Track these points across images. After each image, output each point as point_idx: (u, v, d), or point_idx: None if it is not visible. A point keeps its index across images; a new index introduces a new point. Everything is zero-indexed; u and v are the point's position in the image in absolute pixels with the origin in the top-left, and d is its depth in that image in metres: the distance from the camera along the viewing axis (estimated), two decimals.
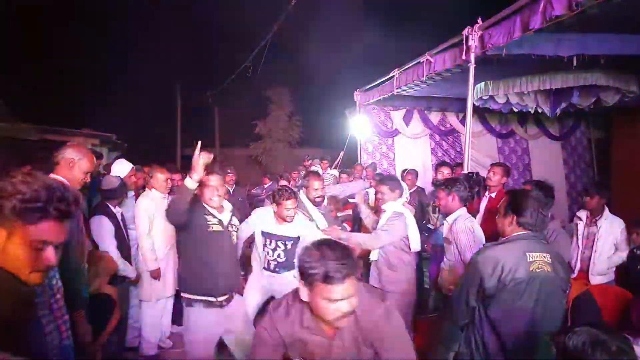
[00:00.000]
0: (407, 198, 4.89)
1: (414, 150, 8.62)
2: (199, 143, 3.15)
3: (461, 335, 2.58)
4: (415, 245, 4.05)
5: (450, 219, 3.73)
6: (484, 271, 2.37)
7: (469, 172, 4.63)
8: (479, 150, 8.18)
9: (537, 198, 2.48)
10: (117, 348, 4.33)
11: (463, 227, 3.55)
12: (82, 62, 13.83)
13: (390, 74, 6.78)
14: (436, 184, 4.10)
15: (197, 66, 18.21)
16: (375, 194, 5.20)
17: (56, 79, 13.35)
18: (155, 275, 4.60)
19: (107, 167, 6.34)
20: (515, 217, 2.46)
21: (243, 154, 19.48)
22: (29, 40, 12.90)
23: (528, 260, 2.35)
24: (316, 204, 4.34)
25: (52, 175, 2.94)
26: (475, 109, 6.31)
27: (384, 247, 4.02)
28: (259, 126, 18.75)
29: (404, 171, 7.08)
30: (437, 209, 4.98)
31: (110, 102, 13.87)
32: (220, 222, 3.54)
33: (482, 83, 6.26)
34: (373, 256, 4.14)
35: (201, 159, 3.09)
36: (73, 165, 2.94)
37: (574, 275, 4.41)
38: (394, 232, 3.95)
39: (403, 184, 4.53)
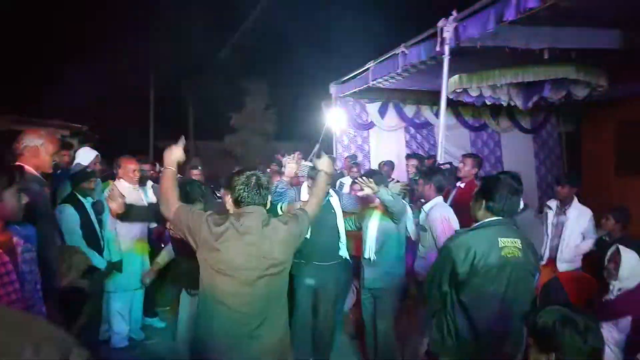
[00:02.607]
0: None
1: (389, 143, 8.66)
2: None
3: (433, 321, 2.61)
4: (413, 234, 4.09)
5: (426, 207, 3.79)
6: (456, 257, 2.40)
7: (443, 163, 4.69)
8: (452, 143, 8.26)
9: (508, 184, 2.51)
10: (90, 342, 4.28)
11: (439, 216, 3.61)
12: (52, 51, 13.48)
13: (366, 66, 6.80)
14: (419, 169, 4.09)
15: (171, 56, 17.93)
16: (352, 184, 5.20)
17: (24, 68, 12.99)
18: (114, 267, 4.50)
19: None
20: (484, 202, 2.49)
21: (218, 147, 19.29)
22: None
23: (500, 246, 2.39)
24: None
25: (18, 164, 2.89)
26: (449, 103, 6.36)
27: (381, 244, 3.93)
28: (234, 118, 18.60)
29: (380, 163, 7.13)
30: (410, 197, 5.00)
31: (81, 92, 13.57)
32: None
33: (457, 76, 6.31)
34: (371, 255, 3.97)
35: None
36: (38, 151, 2.91)
37: (542, 263, 4.53)
38: (401, 205, 3.84)
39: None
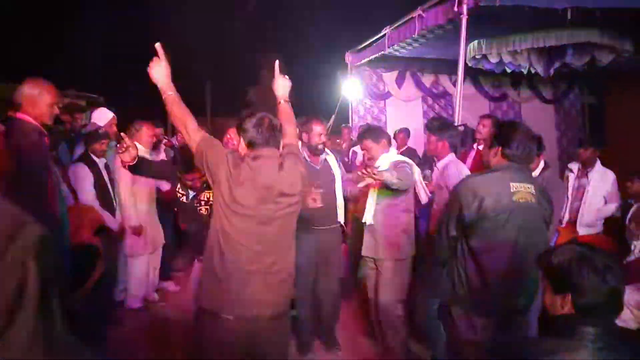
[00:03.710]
0: None
1: (406, 113, 8.51)
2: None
3: (443, 271, 2.53)
4: (424, 197, 3.78)
5: (440, 164, 3.68)
6: (464, 200, 2.31)
7: (458, 125, 4.55)
8: (471, 113, 8.05)
9: (526, 131, 2.40)
10: (105, 302, 4.33)
11: (455, 171, 3.47)
12: (68, 25, 13.51)
13: (382, 32, 6.64)
14: (429, 127, 3.85)
15: (186, 33, 17.89)
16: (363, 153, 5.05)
17: (41, 40, 13.05)
18: (134, 231, 4.51)
19: None
20: (500, 149, 2.38)
21: (235, 123, 19.26)
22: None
23: (511, 190, 2.29)
24: (318, 152, 3.85)
25: (18, 115, 2.88)
26: (468, 71, 6.20)
27: (382, 208, 3.60)
28: (250, 93, 18.53)
29: (396, 131, 7.03)
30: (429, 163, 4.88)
31: (99, 67, 13.62)
32: None
33: (475, 41, 6.14)
34: (368, 219, 3.63)
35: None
36: (36, 101, 2.89)
37: (562, 226, 4.40)
38: (407, 177, 3.41)
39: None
